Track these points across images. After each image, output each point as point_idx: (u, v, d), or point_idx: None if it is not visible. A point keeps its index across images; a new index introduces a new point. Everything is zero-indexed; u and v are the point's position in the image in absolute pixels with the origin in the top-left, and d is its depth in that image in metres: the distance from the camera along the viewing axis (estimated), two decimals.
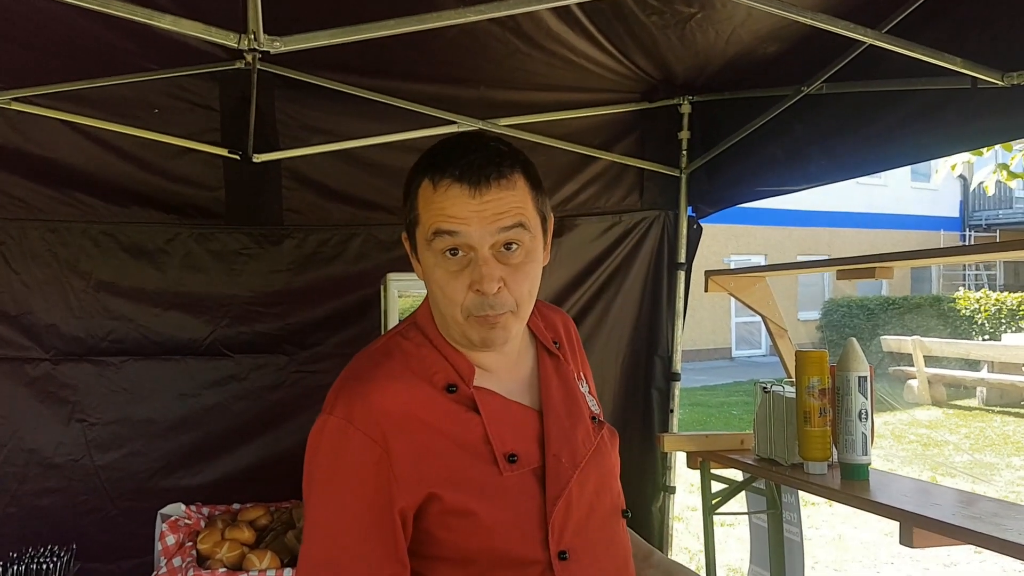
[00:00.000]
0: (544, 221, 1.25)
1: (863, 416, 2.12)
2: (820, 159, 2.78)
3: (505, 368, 1.27)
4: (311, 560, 1.15)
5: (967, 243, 23.12)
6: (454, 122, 3.14)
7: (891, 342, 14.13)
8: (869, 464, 2.14)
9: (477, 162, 1.16)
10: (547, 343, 1.34)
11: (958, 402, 12.97)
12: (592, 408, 1.34)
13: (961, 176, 20.84)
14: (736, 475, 2.74)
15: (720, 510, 2.72)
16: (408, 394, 1.17)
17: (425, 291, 1.26)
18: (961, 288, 20.75)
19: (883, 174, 21.21)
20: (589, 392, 1.36)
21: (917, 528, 1.78)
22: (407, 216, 1.24)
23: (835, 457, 2.25)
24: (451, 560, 1.17)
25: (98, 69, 2.73)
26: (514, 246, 1.17)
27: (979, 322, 17.18)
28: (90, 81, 2.75)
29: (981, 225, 24.10)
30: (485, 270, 1.14)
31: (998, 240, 20.89)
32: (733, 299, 3.14)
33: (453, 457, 1.16)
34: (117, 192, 3.05)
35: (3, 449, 2.95)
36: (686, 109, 3.34)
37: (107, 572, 2.99)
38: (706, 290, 3.02)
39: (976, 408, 12.52)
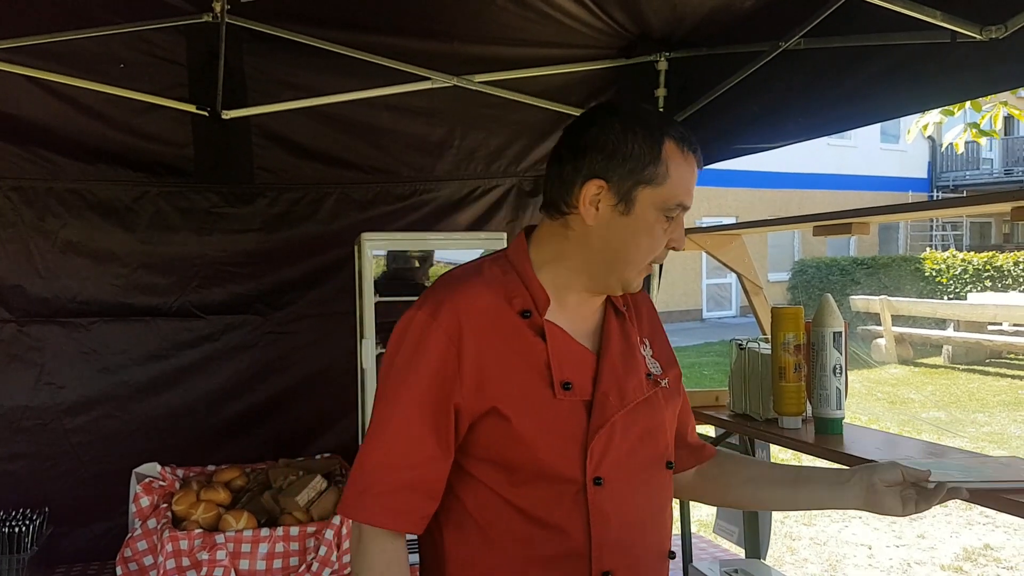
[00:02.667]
0: None
1: (838, 371, 2.13)
2: (798, 115, 2.77)
3: (578, 313, 1.39)
4: (372, 422, 1.33)
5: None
6: (428, 78, 3.08)
7: (859, 302, 14.32)
8: (843, 418, 2.17)
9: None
10: (617, 303, 1.46)
11: (925, 360, 13.22)
12: (652, 368, 1.45)
13: (930, 137, 21.03)
14: (709, 431, 2.76)
15: None
16: (489, 307, 1.31)
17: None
18: (928, 248, 21.05)
19: (853, 135, 21.37)
20: (653, 356, 1.48)
21: None
22: (644, 162, 1.30)
23: (809, 412, 2.28)
24: (496, 464, 1.30)
25: (61, 23, 2.64)
26: None
27: (945, 282, 17.45)
28: (53, 35, 2.65)
29: (949, 186, 24.39)
30: (682, 232, 1.36)
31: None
32: (704, 260, 3.15)
33: (516, 372, 1.29)
34: (83, 149, 2.98)
35: None
36: (663, 66, 3.29)
37: (80, 535, 2.97)
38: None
39: (942, 366, 12.78)
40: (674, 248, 1.36)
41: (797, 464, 1.54)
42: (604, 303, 1.45)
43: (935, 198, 24.28)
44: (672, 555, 1.43)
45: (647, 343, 1.49)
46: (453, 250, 3.23)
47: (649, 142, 1.31)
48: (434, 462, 1.29)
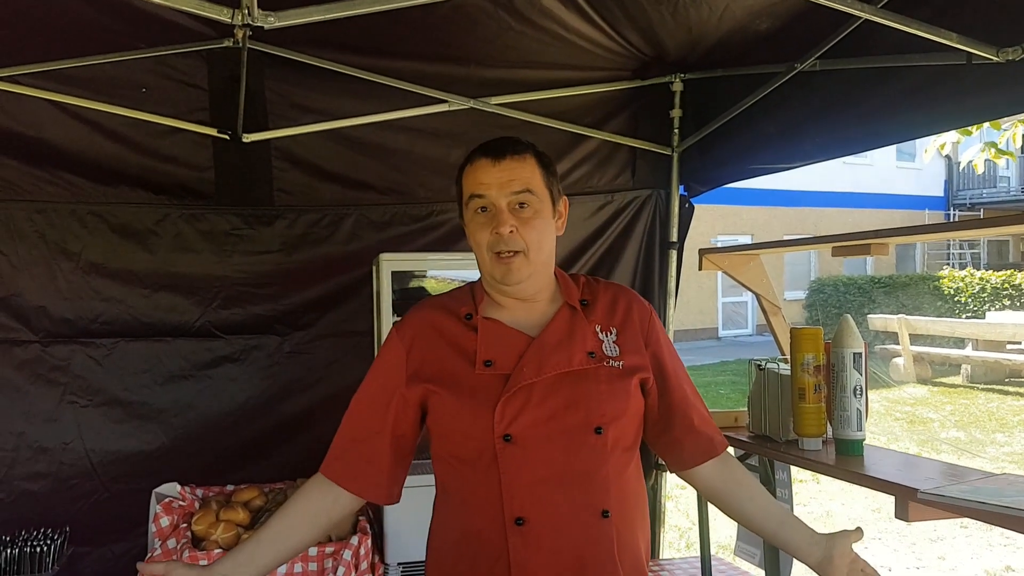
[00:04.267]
0: (552, 194, 1.65)
1: (858, 392, 2.13)
2: (814, 136, 2.78)
3: (522, 309, 1.65)
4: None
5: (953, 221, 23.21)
6: (445, 100, 3.12)
7: (877, 321, 14.22)
8: (864, 440, 2.16)
9: (499, 144, 1.63)
10: (572, 300, 1.67)
11: (943, 379, 13.09)
12: (607, 351, 1.63)
13: (947, 156, 20.94)
14: (729, 452, 2.75)
15: None
16: (436, 319, 1.66)
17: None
18: (946, 267, 20.89)
19: (869, 153, 21.25)
20: (615, 342, 1.65)
21: (912, 502, 1.79)
22: (457, 196, 1.67)
23: (829, 433, 2.27)
24: (440, 435, 1.63)
25: (83, 48, 2.69)
26: (525, 205, 1.59)
27: (963, 300, 17.31)
28: (75, 60, 2.70)
29: (965, 204, 24.23)
30: (501, 217, 1.57)
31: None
32: (720, 279, 3.14)
33: (448, 360, 1.61)
34: (105, 172, 3.02)
35: None
36: (678, 87, 3.32)
37: (99, 555, 2.98)
38: (700, 268, 3.01)
39: (961, 385, 12.65)
40: (496, 232, 1.57)
41: (787, 506, 1.64)
42: (559, 302, 1.67)
43: (952, 216, 24.15)
44: (606, 514, 1.55)
45: (613, 331, 1.67)
46: (469, 271, 3.24)
47: (457, 177, 1.68)
48: (376, 435, 1.64)
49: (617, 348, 1.64)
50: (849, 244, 2.26)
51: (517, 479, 1.52)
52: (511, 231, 1.56)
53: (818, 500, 6.71)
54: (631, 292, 1.77)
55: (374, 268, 2.91)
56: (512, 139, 1.64)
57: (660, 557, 3.80)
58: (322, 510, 1.65)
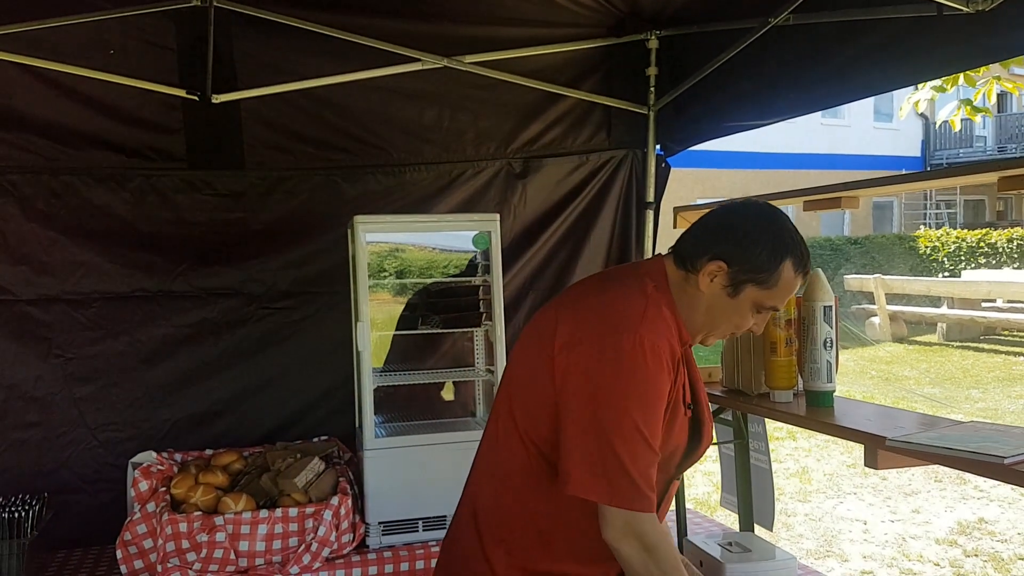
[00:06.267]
0: None
1: (828, 344, 2.15)
2: (788, 92, 2.78)
3: None
4: None
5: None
6: (417, 59, 3.08)
7: (853, 280, 14.36)
8: (834, 391, 2.18)
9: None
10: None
11: (919, 338, 13.27)
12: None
13: (923, 115, 21.01)
14: None
15: None
16: (672, 347, 1.57)
17: None
18: (922, 227, 21.07)
19: (846, 114, 21.30)
20: None
21: (881, 450, 1.82)
22: (761, 268, 1.57)
23: (800, 386, 2.29)
24: None
25: (49, 11, 2.64)
26: None
27: (939, 259, 17.50)
28: (44, 21, 2.65)
29: (943, 164, 24.35)
30: (759, 328, 1.67)
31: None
32: None
33: (671, 390, 1.57)
34: (76, 136, 2.99)
35: None
36: (653, 44, 3.30)
37: (87, 502, 3.03)
38: (675, 226, 3.01)
39: (936, 343, 12.83)
40: (752, 332, 1.67)
41: None
42: None
43: None
44: None
45: None
46: (445, 232, 3.23)
47: (773, 255, 1.56)
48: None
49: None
50: (819, 198, 2.28)
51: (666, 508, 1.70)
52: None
53: (794, 457, 6.82)
54: None
55: (349, 231, 2.89)
56: None
57: None
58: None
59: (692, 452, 1.69)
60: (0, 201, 2.95)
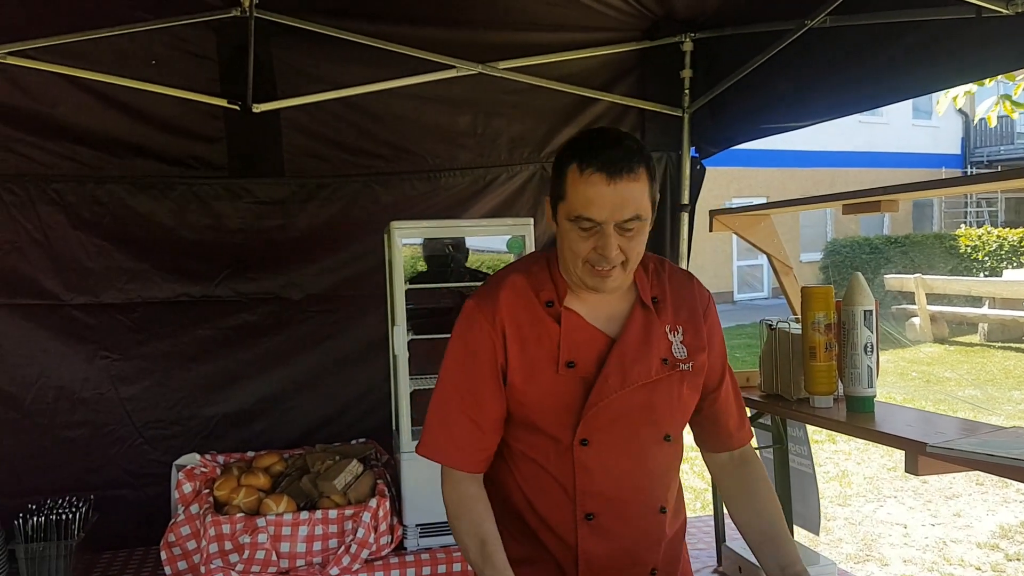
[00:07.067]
0: (654, 204, 1.56)
1: (868, 349, 2.13)
2: (825, 94, 2.76)
3: (600, 301, 1.61)
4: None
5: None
6: (453, 66, 3.11)
7: (893, 280, 14.15)
8: (874, 396, 2.17)
9: (615, 157, 1.47)
10: (645, 297, 1.65)
11: (960, 338, 13.04)
12: (676, 353, 1.64)
13: (962, 111, 20.63)
14: None
15: None
16: (521, 304, 1.60)
17: None
18: (963, 225, 20.70)
19: (884, 112, 20.99)
20: (682, 342, 1.65)
21: (922, 456, 1.80)
22: (554, 188, 1.55)
23: (840, 391, 2.28)
24: (515, 422, 1.62)
25: (93, 21, 2.70)
26: (630, 226, 1.49)
27: (981, 259, 17.17)
28: (85, 33, 2.72)
29: (983, 161, 23.91)
30: (608, 241, 1.49)
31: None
32: (735, 242, 3.14)
33: (531, 352, 1.58)
34: (119, 146, 3.07)
35: (32, 387, 3.07)
36: (688, 47, 3.29)
37: (134, 498, 3.13)
38: (711, 230, 3.01)
39: (978, 344, 12.60)
40: (602, 254, 1.50)
41: (782, 528, 1.69)
42: (633, 292, 1.65)
43: (969, 174, 23.85)
44: (663, 510, 1.65)
45: (680, 330, 1.66)
46: (481, 236, 3.25)
47: (558, 166, 1.54)
48: (498, 423, 1.62)
49: (684, 349, 1.65)
50: (859, 201, 2.26)
51: (590, 480, 1.58)
52: (616, 252, 1.50)
53: (833, 460, 6.74)
54: (693, 280, 1.76)
55: (385, 236, 2.92)
56: (627, 149, 1.49)
57: None
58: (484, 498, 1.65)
59: (591, 411, 1.56)
60: (46, 209, 3.03)
